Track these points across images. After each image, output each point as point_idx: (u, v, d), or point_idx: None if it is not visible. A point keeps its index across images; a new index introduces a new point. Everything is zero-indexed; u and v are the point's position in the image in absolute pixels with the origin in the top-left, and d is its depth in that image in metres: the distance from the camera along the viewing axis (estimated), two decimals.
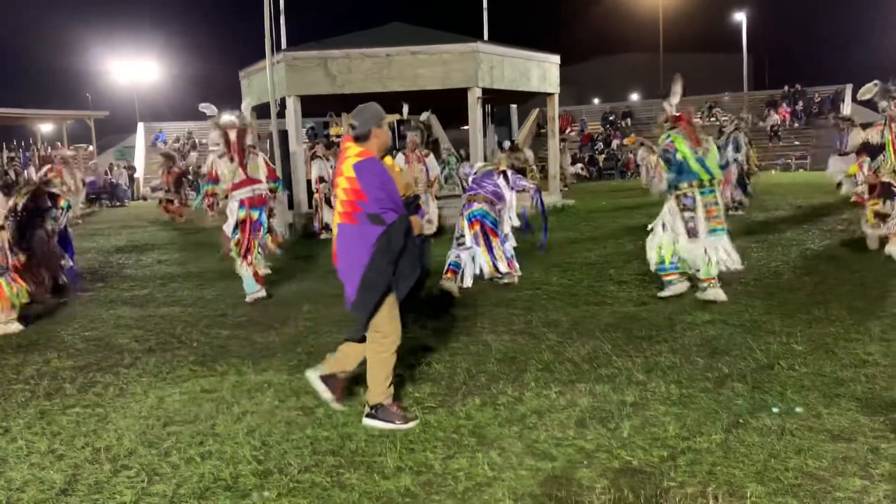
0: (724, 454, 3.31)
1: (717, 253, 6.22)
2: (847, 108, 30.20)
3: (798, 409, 3.79)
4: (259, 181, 7.25)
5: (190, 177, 19.35)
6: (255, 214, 7.21)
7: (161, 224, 16.89)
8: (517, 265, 7.50)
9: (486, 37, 16.14)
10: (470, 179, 7.71)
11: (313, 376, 4.04)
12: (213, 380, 4.74)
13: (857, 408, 3.78)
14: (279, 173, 7.91)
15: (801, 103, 32.45)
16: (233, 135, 7.13)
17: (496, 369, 4.67)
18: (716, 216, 6.24)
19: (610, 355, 4.85)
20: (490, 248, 7.22)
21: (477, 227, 7.23)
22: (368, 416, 3.83)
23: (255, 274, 7.28)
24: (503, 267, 7.26)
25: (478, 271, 7.23)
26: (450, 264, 7.22)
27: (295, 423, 3.90)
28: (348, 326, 4.30)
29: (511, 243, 7.51)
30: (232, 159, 7.12)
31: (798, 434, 3.49)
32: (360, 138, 3.82)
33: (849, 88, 31.72)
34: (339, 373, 4.04)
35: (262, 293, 7.27)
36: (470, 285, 7.20)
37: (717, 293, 6.21)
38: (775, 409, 3.81)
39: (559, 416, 3.84)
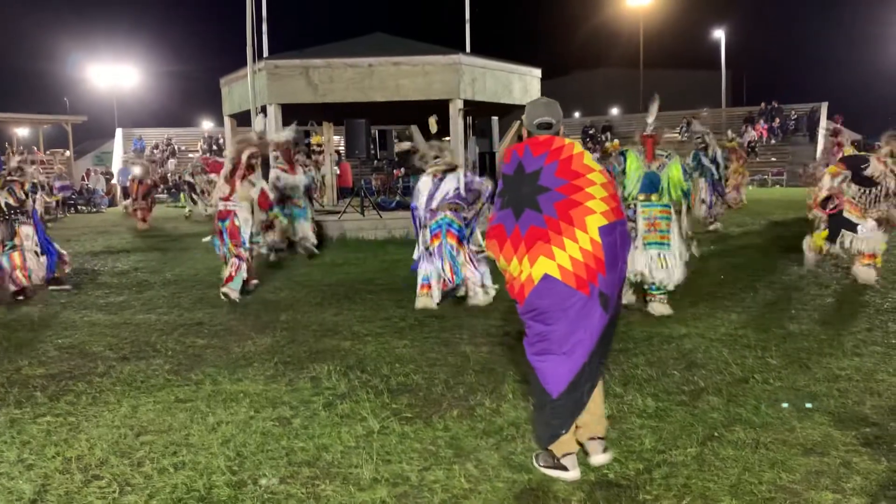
0: (699, 467, 3.33)
1: (649, 267, 6.25)
2: (822, 128, 30.68)
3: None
4: (230, 199, 7.72)
5: (163, 185, 19.24)
6: (220, 225, 7.74)
7: (137, 231, 16.73)
8: (488, 282, 7.02)
9: (468, 49, 16.21)
10: (423, 199, 7.05)
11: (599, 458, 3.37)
12: (188, 389, 4.69)
13: (829, 422, 3.83)
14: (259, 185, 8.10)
15: (777, 120, 32.95)
16: (244, 155, 7.73)
17: (474, 381, 4.66)
18: (660, 230, 6.26)
19: None
20: (453, 258, 6.85)
21: (440, 240, 6.86)
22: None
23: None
24: (458, 278, 6.86)
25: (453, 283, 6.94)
26: (423, 279, 6.95)
27: (270, 434, 3.86)
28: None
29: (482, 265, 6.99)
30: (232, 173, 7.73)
31: (772, 447, 3.52)
32: (557, 134, 3.45)
33: (824, 106, 32.29)
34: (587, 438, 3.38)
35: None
36: (438, 299, 6.93)
37: (656, 308, 6.30)
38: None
39: None
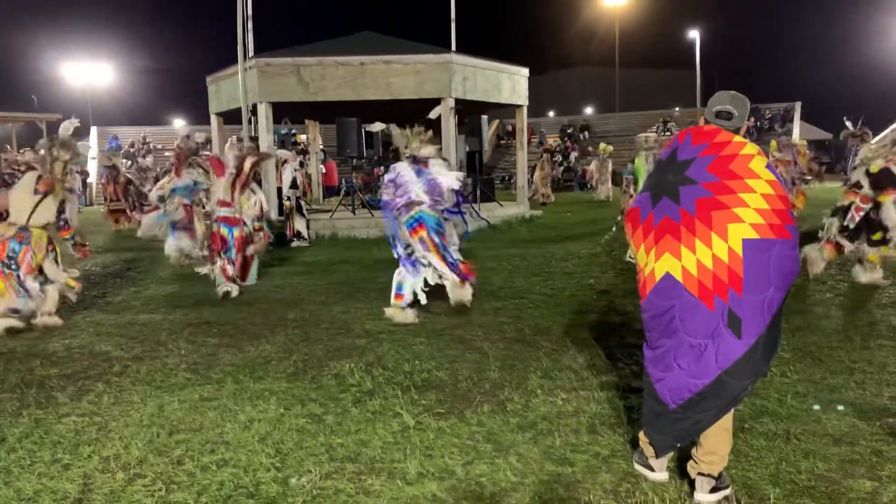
0: (736, 458, 3.40)
1: None
2: (796, 126, 31.28)
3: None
4: (231, 204, 7.89)
5: (137, 184, 18.55)
6: (225, 231, 7.87)
7: (118, 231, 16.51)
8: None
9: (453, 48, 16.24)
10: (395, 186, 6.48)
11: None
12: (211, 388, 4.67)
13: (853, 413, 3.93)
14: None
15: (752, 119, 33.43)
16: (248, 164, 7.85)
17: (498, 377, 4.71)
18: None
19: (607, 362, 4.93)
20: (440, 251, 6.31)
21: (422, 233, 6.28)
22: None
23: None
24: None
25: (436, 279, 6.44)
26: (397, 288, 6.41)
27: (306, 431, 3.87)
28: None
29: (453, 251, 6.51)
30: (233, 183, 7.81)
31: (803, 438, 3.61)
32: (737, 131, 3.05)
33: (797, 105, 32.89)
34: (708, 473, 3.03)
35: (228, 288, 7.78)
36: (425, 302, 6.50)
37: None
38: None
39: (570, 423, 3.89)
